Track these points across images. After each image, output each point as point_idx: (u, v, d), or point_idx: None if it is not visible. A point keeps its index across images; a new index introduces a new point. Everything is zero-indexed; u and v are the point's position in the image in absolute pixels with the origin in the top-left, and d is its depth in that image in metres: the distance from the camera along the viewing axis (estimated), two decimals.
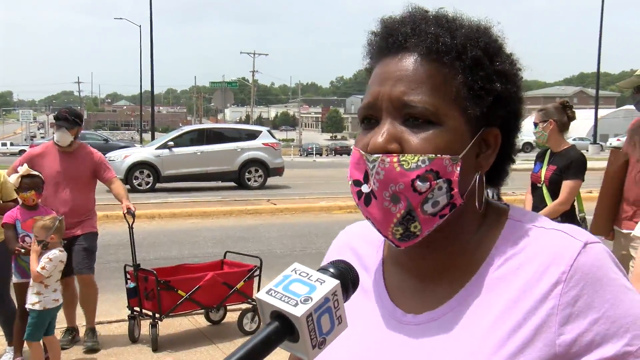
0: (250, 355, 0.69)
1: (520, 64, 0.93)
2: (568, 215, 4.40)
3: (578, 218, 4.56)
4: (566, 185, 4.36)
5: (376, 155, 0.85)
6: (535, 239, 0.88)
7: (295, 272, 0.76)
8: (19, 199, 4.66)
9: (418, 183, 0.84)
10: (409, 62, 0.87)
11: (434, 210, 0.85)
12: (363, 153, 0.87)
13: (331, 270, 0.77)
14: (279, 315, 0.72)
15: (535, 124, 4.58)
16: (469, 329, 0.85)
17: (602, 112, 48.16)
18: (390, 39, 0.89)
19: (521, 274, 0.85)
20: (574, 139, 37.00)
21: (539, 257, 0.85)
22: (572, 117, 4.55)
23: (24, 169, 4.60)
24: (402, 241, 0.88)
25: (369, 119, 0.89)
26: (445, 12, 0.92)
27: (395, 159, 0.84)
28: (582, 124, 50.03)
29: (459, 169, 0.85)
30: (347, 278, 0.78)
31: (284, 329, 0.71)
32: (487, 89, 0.87)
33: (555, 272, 0.83)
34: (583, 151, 4.92)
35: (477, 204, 0.90)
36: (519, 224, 0.91)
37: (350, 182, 0.90)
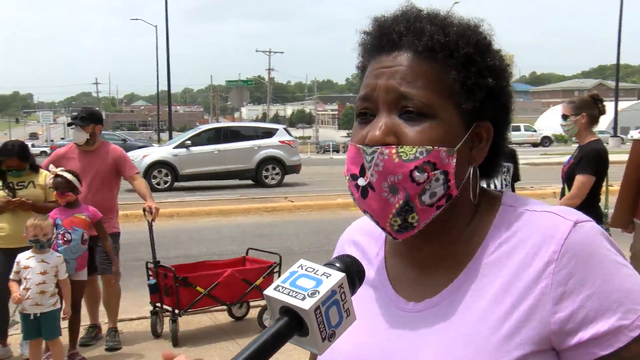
0: (261, 351, 0.70)
1: (508, 60, 0.96)
2: (589, 210, 4.33)
3: (603, 213, 4.47)
4: (577, 179, 4.32)
5: (375, 147, 0.88)
6: (526, 222, 0.90)
7: (302, 268, 0.77)
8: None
9: (416, 174, 0.86)
10: (403, 58, 0.90)
11: (431, 201, 0.88)
12: (360, 146, 0.90)
13: (337, 264, 0.79)
14: (288, 311, 0.73)
15: (565, 117, 4.47)
16: (466, 313, 0.87)
17: (622, 105, 47.44)
18: (385, 37, 0.92)
19: (514, 257, 0.87)
20: None
21: (531, 239, 0.87)
22: (602, 112, 4.48)
23: (53, 169, 4.72)
24: (400, 233, 0.90)
25: (365, 114, 0.92)
26: (438, 11, 0.94)
27: (394, 150, 0.87)
28: (602, 117, 49.32)
29: (454, 160, 0.88)
30: (353, 271, 0.79)
31: (294, 323, 0.73)
32: (479, 84, 0.90)
33: (546, 252, 0.85)
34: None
35: (471, 196, 0.92)
36: (511, 209, 0.93)
37: (347, 178, 0.92)
